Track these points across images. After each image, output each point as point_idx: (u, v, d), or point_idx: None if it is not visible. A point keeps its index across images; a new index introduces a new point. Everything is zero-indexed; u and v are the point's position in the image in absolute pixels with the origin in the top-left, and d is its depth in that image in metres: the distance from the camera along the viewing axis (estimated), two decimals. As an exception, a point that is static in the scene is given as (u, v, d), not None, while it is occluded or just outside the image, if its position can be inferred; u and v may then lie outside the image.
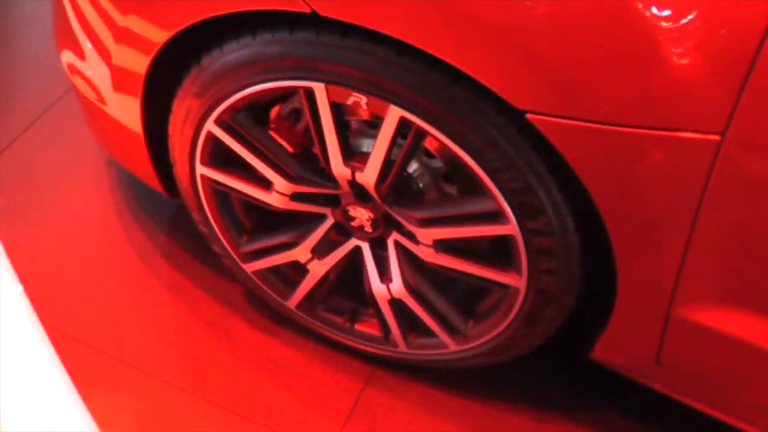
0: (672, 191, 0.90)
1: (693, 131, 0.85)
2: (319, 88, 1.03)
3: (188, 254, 1.54)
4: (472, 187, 1.10)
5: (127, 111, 1.26)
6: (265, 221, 1.34)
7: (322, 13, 0.94)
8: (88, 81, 1.32)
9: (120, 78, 1.21)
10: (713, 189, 0.87)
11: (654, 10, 0.79)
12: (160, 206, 1.61)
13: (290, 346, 1.42)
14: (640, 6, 0.79)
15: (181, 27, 1.06)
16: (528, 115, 0.90)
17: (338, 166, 1.11)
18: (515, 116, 0.92)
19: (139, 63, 1.15)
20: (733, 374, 1.06)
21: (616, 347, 1.15)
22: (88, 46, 1.25)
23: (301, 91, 1.05)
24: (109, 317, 1.43)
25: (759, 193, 0.87)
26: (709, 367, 1.08)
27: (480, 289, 1.22)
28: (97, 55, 1.24)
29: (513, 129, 0.95)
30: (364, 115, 1.18)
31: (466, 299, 1.24)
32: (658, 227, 0.94)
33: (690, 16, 0.78)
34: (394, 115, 1.00)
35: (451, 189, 1.21)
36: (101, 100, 1.31)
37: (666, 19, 0.79)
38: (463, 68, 0.89)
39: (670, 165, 0.88)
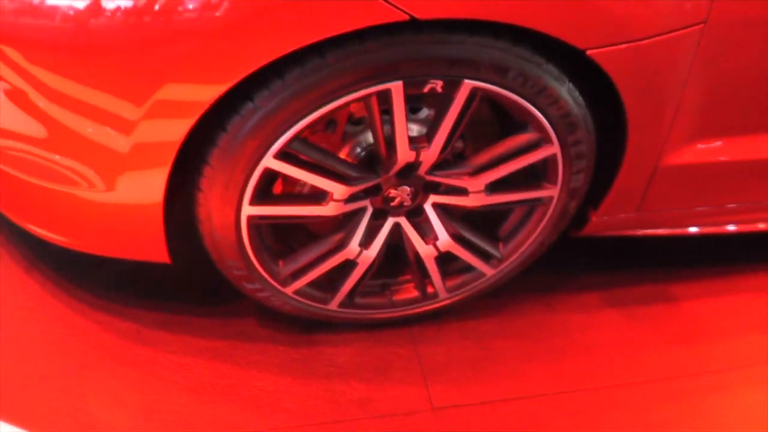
0: (672, 74, 1.23)
1: (687, 27, 1.17)
2: (396, 87, 1.11)
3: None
4: (480, 137, 1.30)
5: (146, 187, 1.15)
6: (291, 240, 1.35)
7: (422, 17, 1.03)
8: (55, 170, 1.16)
9: (142, 154, 1.11)
10: (698, 62, 1.22)
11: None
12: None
13: (337, 346, 1.47)
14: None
15: (246, 73, 1.03)
16: (588, 52, 1.14)
17: (404, 152, 1.21)
18: (560, 61, 1.15)
19: (175, 131, 1.08)
20: (695, 192, 1.47)
21: (610, 213, 1.47)
22: (73, 129, 1.11)
23: (374, 95, 1.12)
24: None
25: (725, 57, 1.24)
26: (675, 195, 1.47)
27: (497, 214, 1.43)
28: (96, 138, 1.11)
29: (557, 71, 1.17)
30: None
31: (488, 229, 1.45)
32: (661, 103, 1.27)
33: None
34: (465, 88, 1.14)
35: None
36: (92, 186, 1.16)
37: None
38: (551, 33, 1.09)
39: (673, 57, 1.20)
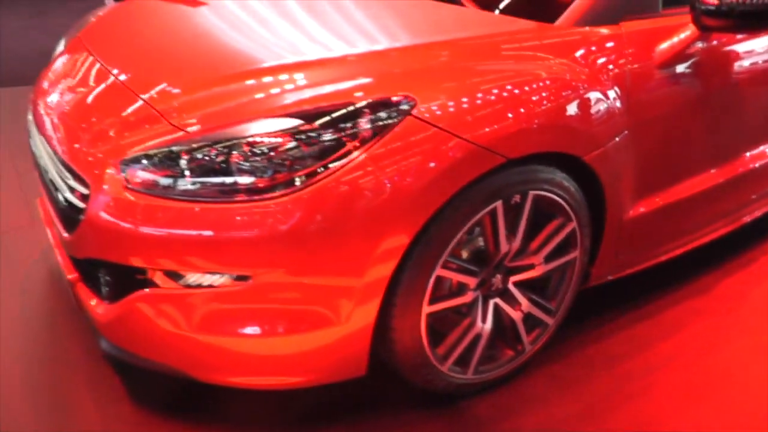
0: (622, 160, 2.06)
1: (622, 132, 2.04)
2: (499, 204, 1.83)
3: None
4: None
5: (366, 314, 1.72)
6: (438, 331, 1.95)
7: (512, 157, 1.78)
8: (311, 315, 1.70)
9: (367, 290, 1.69)
10: (632, 149, 2.08)
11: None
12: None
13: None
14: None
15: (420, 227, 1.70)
16: (584, 158, 1.95)
17: (504, 245, 1.90)
18: (573, 170, 1.94)
19: (388, 268, 1.69)
20: (655, 225, 2.28)
21: (602, 265, 2.24)
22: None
23: (488, 213, 1.82)
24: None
25: (645, 142, 2.11)
26: (637, 238, 2.28)
27: (540, 281, 2.14)
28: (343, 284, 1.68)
29: (570, 180, 1.96)
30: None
31: (542, 293, 2.14)
32: (619, 179, 2.09)
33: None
34: (530, 197, 1.89)
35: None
36: (331, 322, 1.71)
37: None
38: (569, 152, 1.88)
39: (620, 150, 2.05)
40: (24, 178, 3.33)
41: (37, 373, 2.13)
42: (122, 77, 2.01)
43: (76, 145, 1.87)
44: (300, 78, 1.83)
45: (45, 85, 2.27)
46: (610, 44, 2.02)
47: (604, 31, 2.04)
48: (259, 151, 1.65)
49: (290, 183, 1.62)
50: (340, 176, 1.62)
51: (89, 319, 1.92)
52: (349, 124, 1.66)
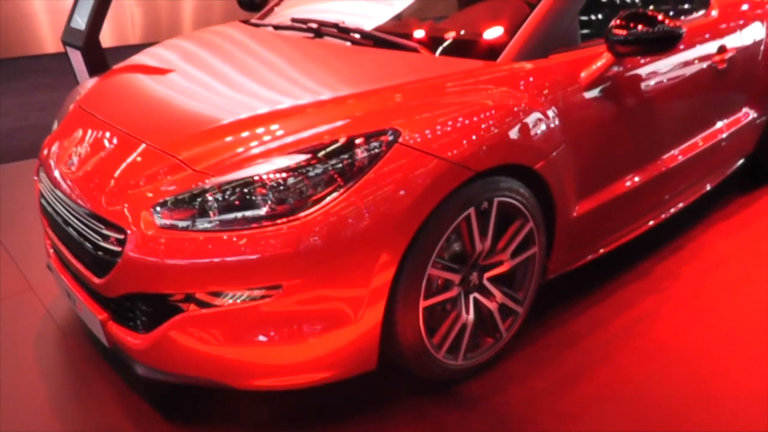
0: (563, 167, 2.48)
1: (561, 144, 2.46)
2: (472, 211, 2.20)
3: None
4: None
5: (375, 313, 2.05)
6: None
7: (479, 169, 2.16)
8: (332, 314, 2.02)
9: (374, 294, 2.03)
10: (570, 158, 2.51)
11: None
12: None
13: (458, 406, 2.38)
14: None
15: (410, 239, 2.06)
16: (535, 167, 2.35)
17: (478, 244, 2.27)
18: (529, 179, 2.34)
19: (389, 273, 2.04)
20: (595, 221, 2.70)
21: (555, 261, 2.64)
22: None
23: (464, 218, 2.20)
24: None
25: (579, 152, 2.54)
26: (584, 230, 2.69)
27: (509, 275, 2.50)
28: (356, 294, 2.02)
29: (525, 187, 2.35)
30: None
31: (510, 286, 2.52)
32: (563, 182, 2.49)
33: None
34: (496, 203, 2.27)
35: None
36: (349, 321, 2.04)
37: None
38: (525, 163, 2.28)
39: (559, 159, 2.47)
40: (12, 248, 3.51)
41: (71, 417, 2.36)
42: (135, 134, 2.31)
43: (106, 198, 2.15)
44: (290, 123, 2.17)
45: (54, 150, 2.54)
46: (542, 74, 2.45)
47: (536, 64, 2.46)
48: (270, 186, 1.98)
49: (298, 210, 1.95)
50: (342, 201, 1.97)
51: (122, 351, 2.19)
52: (346, 156, 2.01)
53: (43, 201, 2.60)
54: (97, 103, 2.70)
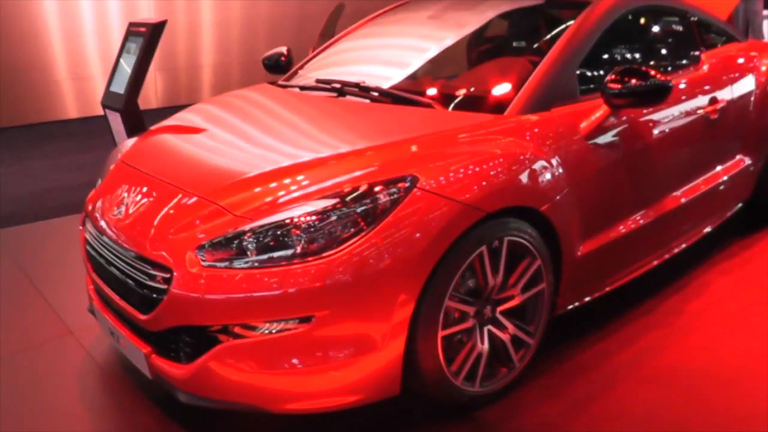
0: (567, 209, 2.70)
1: (564, 189, 2.69)
2: (485, 248, 2.42)
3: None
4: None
5: (398, 344, 2.25)
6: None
7: (490, 210, 2.39)
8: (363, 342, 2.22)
9: (396, 327, 2.24)
10: (575, 202, 2.73)
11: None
12: None
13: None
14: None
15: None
16: (541, 209, 2.58)
17: (491, 279, 2.48)
18: (536, 220, 2.56)
19: (409, 309, 2.25)
20: (599, 260, 2.90)
21: (563, 297, 2.84)
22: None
23: (477, 256, 2.41)
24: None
25: (583, 196, 2.76)
26: (589, 269, 2.89)
27: (520, 309, 2.70)
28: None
29: (532, 228, 2.57)
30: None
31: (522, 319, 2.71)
32: (569, 224, 2.72)
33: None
34: (506, 242, 2.49)
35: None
36: (375, 348, 2.24)
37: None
38: (531, 205, 2.51)
39: (565, 202, 2.69)
40: (50, 297, 3.73)
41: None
42: (177, 184, 2.55)
43: (153, 241, 2.38)
44: (315, 173, 2.41)
45: (101, 202, 2.79)
46: (545, 125, 2.70)
47: (540, 116, 2.71)
48: (301, 228, 2.21)
49: (327, 249, 2.17)
50: (365, 242, 2.19)
51: (165, 381, 2.39)
52: (368, 200, 2.25)
53: (88, 248, 2.84)
54: (140, 159, 2.96)
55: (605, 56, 3.27)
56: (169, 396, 2.41)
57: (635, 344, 2.95)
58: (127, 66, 4.42)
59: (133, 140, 3.34)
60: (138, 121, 4.43)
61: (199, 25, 9.28)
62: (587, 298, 2.96)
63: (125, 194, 2.69)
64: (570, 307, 2.90)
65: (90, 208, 2.87)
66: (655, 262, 3.31)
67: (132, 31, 4.63)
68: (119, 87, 4.48)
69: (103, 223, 2.68)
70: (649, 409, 2.54)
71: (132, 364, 2.60)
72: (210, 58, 9.48)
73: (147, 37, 4.41)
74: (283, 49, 4.02)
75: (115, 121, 4.55)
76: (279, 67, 4.00)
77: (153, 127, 3.41)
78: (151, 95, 9.11)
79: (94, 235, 2.74)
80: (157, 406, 2.69)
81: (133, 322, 2.48)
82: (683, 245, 3.48)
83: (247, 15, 9.61)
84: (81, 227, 2.98)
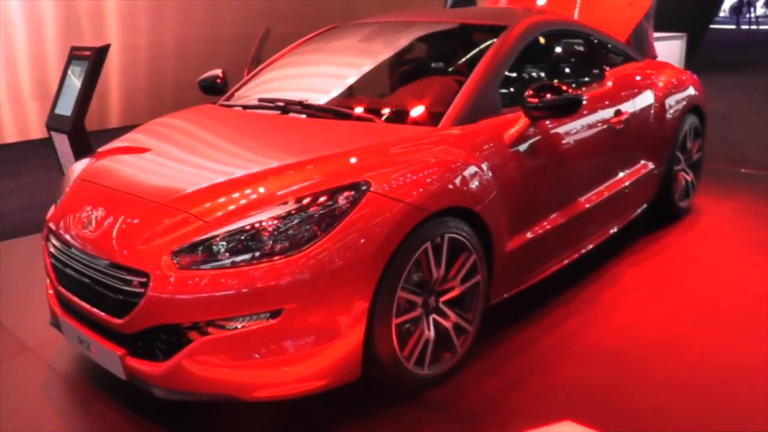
0: (496, 208, 3.06)
1: (492, 191, 3.05)
2: (429, 244, 2.74)
3: None
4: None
5: (358, 331, 2.53)
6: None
7: (433, 210, 2.71)
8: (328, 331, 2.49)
9: (355, 318, 2.51)
10: (501, 202, 3.09)
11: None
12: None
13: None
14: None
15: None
16: (475, 209, 2.92)
17: (435, 272, 2.79)
18: (471, 219, 2.90)
19: (367, 300, 2.53)
20: (524, 255, 3.26)
21: (495, 289, 3.18)
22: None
23: (423, 251, 2.72)
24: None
25: (508, 197, 3.12)
26: (516, 262, 3.25)
27: (460, 299, 3.02)
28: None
29: (468, 226, 2.91)
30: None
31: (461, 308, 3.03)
32: (499, 221, 3.07)
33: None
34: (447, 238, 2.81)
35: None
36: (338, 336, 2.51)
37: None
38: (469, 206, 2.84)
39: (494, 203, 3.05)
40: (2, 316, 3.80)
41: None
42: (144, 196, 2.75)
43: (128, 249, 2.58)
44: (277, 181, 2.67)
45: (64, 218, 2.94)
46: (473, 135, 3.06)
47: (468, 128, 3.07)
48: (266, 231, 2.47)
49: (291, 249, 2.44)
50: (325, 242, 2.46)
51: (140, 379, 2.57)
52: (329, 203, 2.52)
53: (53, 260, 2.99)
54: (100, 175, 3.12)
55: (522, 74, 3.67)
56: (139, 395, 2.59)
57: (559, 329, 3.32)
58: (72, 88, 4.54)
59: (87, 160, 3.49)
60: (85, 142, 4.56)
61: (132, 48, 9.36)
62: (516, 290, 3.31)
63: (90, 208, 2.85)
64: (504, 296, 3.24)
65: (53, 225, 3.01)
66: (574, 257, 3.70)
67: (75, 54, 4.75)
68: (65, 109, 4.59)
69: (68, 237, 2.84)
70: (576, 383, 2.89)
71: (100, 369, 2.76)
72: (144, 81, 9.55)
73: (92, 60, 4.55)
74: (219, 72, 4.21)
75: (62, 143, 4.65)
76: (215, 89, 4.19)
77: (104, 147, 3.57)
78: (110, 115, 9.14)
79: (61, 249, 2.89)
80: (125, 406, 2.85)
81: (106, 327, 2.65)
82: (597, 241, 3.90)
83: (180, 37, 9.76)
84: (44, 242, 3.12)
